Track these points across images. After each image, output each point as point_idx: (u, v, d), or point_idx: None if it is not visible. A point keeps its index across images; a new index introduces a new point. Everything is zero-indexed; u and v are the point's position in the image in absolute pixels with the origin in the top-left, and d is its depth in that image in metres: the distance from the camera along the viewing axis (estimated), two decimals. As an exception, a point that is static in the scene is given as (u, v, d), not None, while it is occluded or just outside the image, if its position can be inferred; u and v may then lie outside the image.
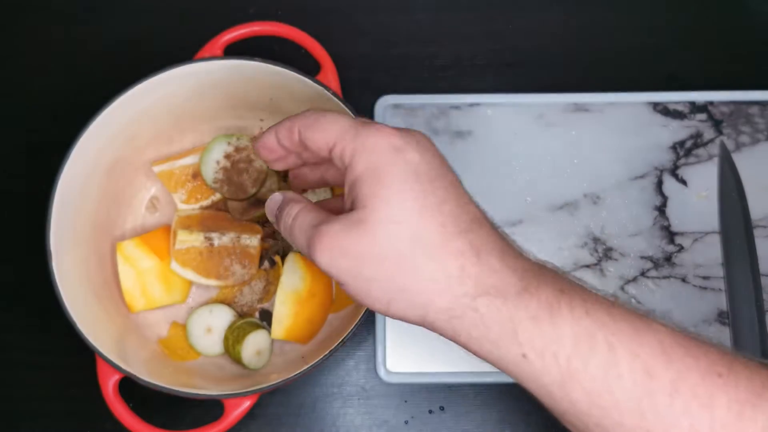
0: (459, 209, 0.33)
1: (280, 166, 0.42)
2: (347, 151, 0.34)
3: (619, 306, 0.33)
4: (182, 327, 0.59)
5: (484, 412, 0.60)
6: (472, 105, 0.65)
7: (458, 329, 0.33)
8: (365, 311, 0.51)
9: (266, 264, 0.61)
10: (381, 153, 0.33)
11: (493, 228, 0.35)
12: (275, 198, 0.41)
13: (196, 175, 0.61)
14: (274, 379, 0.51)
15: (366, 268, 0.33)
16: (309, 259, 0.36)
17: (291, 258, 0.58)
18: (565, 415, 0.33)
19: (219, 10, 0.70)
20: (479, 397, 0.60)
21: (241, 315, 0.60)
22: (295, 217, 0.37)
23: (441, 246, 0.32)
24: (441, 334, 0.35)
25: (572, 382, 0.31)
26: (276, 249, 0.60)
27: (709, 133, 0.64)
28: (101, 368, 0.52)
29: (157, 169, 0.61)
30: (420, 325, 0.34)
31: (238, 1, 0.70)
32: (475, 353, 0.34)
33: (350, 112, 0.53)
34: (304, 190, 0.50)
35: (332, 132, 0.35)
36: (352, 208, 0.34)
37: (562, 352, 0.31)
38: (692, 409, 0.30)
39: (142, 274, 0.58)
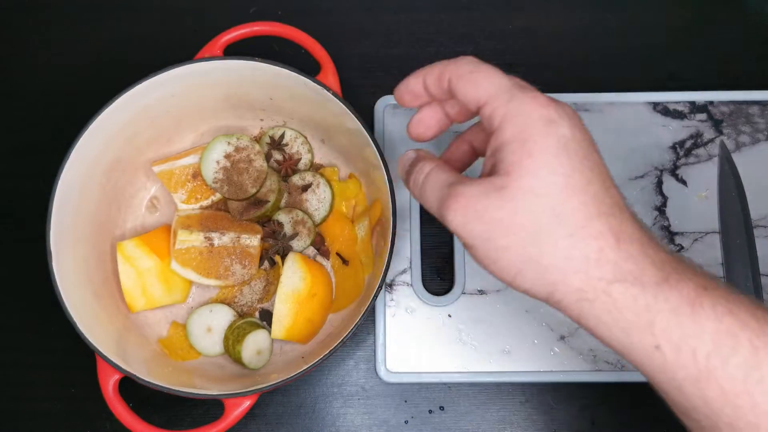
0: (603, 192, 0.33)
1: (423, 129, 0.41)
2: (498, 113, 0.33)
3: (764, 309, 0.32)
4: (182, 327, 0.59)
5: (484, 412, 0.60)
6: (472, 105, 0.65)
7: (586, 312, 0.32)
8: (365, 311, 0.51)
9: (266, 264, 0.61)
10: (534, 122, 0.33)
11: (634, 216, 0.34)
12: (408, 155, 0.40)
13: (196, 175, 0.61)
14: (274, 379, 0.51)
15: (500, 235, 0.32)
16: (439, 219, 0.35)
17: (291, 258, 0.59)
18: (693, 412, 0.32)
19: (219, 10, 0.70)
20: (479, 397, 0.60)
21: (241, 315, 0.60)
22: (428, 174, 0.37)
23: (581, 226, 0.32)
24: (565, 314, 0.34)
25: (709, 379, 0.30)
26: (276, 249, 0.60)
27: (709, 133, 0.64)
28: (101, 368, 0.52)
29: (157, 169, 0.61)
30: (544, 300, 0.34)
31: (238, 1, 0.70)
32: (599, 338, 0.33)
33: (353, 112, 0.53)
34: None
35: (486, 89, 0.34)
36: (492, 173, 0.33)
37: (702, 349, 0.30)
38: None
39: (142, 274, 0.58)
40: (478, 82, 0.35)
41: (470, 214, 0.33)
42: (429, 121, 0.40)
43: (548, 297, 0.33)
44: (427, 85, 0.38)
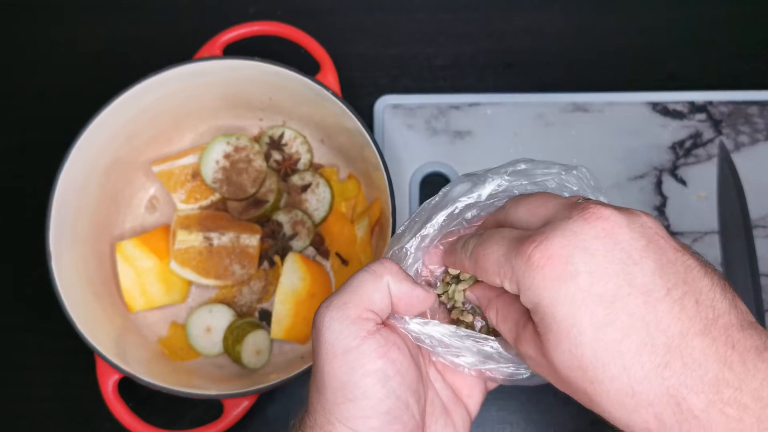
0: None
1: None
2: (513, 287, 0.30)
3: None
4: (182, 327, 0.60)
5: (484, 412, 0.60)
6: (471, 105, 0.65)
7: None
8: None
9: (265, 264, 0.61)
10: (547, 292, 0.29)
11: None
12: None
13: (196, 175, 0.61)
14: (274, 379, 0.51)
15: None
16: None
17: (290, 258, 0.59)
18: None
19: (218, 9, 0.70)
20: (479, 397, 0.60)
21: (240, 315, 0.60)
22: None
23: None
24: None
25: None
26: (275, 249, 0.60)
27: (708, 133, 0.64)
28: (101, 368, 0.52)
29: (156, 169, 0.61)
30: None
31: (237, 0, 0.70)
32: None
33: (352, 112, 0.53)
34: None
35: (498, 279, 0.31)
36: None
37: None
38: None
39: (142, 274, 0.58)
40: (491, 273, 0.31)
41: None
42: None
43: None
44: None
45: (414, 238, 0.35)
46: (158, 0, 0.71)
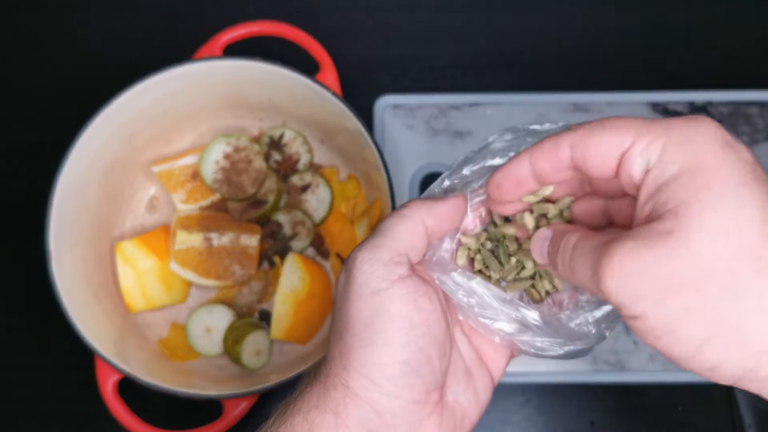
0: None
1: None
2: (654, 146, 0.26)
3: None
4: (182, 327, 0.60)
5: (484, 412, 0.60)
6: (472, 105, 0.65)
7: None
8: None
9: (265, 264, 0.61)
10: (707, 146, 0.25)
11: None
12: (543, 233, 0.32)
13: (196, 175, 0.61)
14: (273, 380, 0.51)
15: (677, 292, 0.25)
16: (597, 293, 0.27)
17: (290, 258, 0.59)
18: None
19: (218, 9, 0.70)
20: (479, 397, 0.60)
21: (240, 315, 0.60)
22: (575, 245, 0.29)
23: None
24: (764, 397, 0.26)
25: None
26: (275, 249, 0.60)
27: (708, 133, 0.64)
28: (101, 368, 0.52)
29: (156, 169, 0.61)
30: (733, 383, 0.26)
31: (237, 1, 0.70)
32: None
33: (352, 112, 0.53)
34: None
35: (625, 132, 0.27)
36: (652, 219, 0.26)
37: None
38: None
39: (142, 275, 0.58)
40: (611, 131, 0.27)
41: (631, 272, 0.25)
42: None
43: (746, 375, 0.25)
44: (536, 165, 0.30)
45: (440, 185, 0.34)
46: (158, 0, 0.71)
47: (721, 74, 0.67)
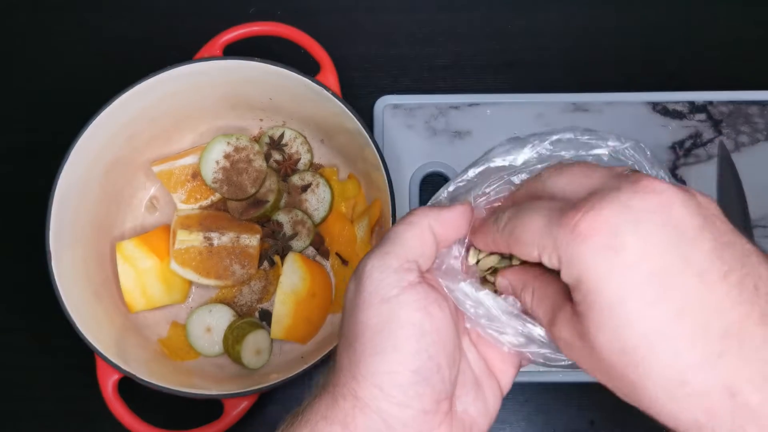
0: None
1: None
2: (554, 259, 0.27)
3: None
4: (182, 327, 0.60)
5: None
6: (471, 105, 0.65)
7: None
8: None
9: (266, 264, 0.61)
10: (589, 264, 0.26)
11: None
12: (502, 284, 0.33)
13: (196, 175, 0.61)
14: (274, 379, 0.51)
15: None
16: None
17: (291, 258, 0.59)
18: None
19: (218, 10, 0.70)
20: (479, 397, 0.60)
21: (240, 315, 0.60)
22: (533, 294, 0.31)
23: None
24: None
25: None
26: (276, 249, 0.60)
27: (708, 133, 0.64)
28: (101, 368, 0.52)
29: (156, 169, 0.61)
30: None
31: (237, 1, 0.70)
32: None
33: (352, 112, 0.53)
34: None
35: (532, 246, 0.28)
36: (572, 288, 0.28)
37: None
38: None
39: (142, 274, 0.58)
40: (520, 243, 0.29)
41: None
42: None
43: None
44: (473, 240, 0.33)
45: (445, 190, 0.34)
46: (158, 0, 0.71)
47: (721, 74, 0.67)
